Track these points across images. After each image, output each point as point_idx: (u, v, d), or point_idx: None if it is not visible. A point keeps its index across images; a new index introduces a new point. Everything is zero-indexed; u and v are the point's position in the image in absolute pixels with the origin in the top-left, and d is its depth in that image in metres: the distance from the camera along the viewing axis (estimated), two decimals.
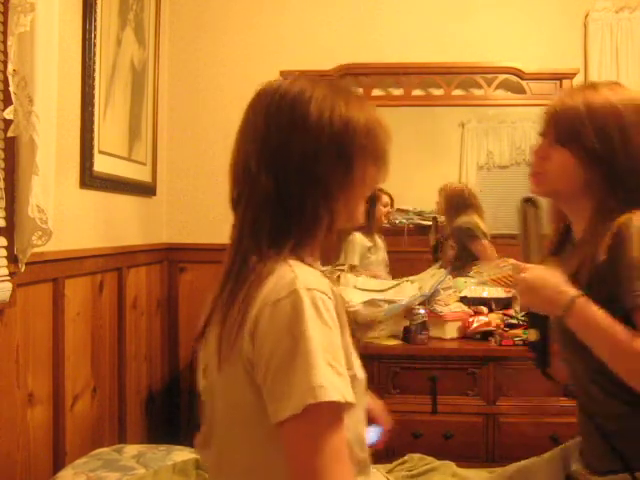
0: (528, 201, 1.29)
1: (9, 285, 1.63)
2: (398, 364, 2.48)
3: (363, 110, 1.03)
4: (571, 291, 1.14)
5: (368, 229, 2.99)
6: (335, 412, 0.89)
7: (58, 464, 1.91)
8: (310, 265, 1.00)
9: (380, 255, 3.05)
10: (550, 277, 1.19)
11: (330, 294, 0.94)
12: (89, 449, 2.03)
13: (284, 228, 0.99)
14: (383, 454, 2.41)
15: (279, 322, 0.90)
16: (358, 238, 2.98)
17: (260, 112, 1.04)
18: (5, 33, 1.56)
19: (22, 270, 1.68)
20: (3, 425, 1.66)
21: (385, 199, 3.00)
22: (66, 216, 2.01)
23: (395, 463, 1.93)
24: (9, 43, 1.52)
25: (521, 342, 2.30)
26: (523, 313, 1.30)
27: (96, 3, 2.16)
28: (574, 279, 1.16)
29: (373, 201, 2.97)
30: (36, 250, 1.69)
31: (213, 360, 1.00)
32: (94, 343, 2.19)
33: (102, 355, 2.26)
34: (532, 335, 1.21)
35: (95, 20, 2.15)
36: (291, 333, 0.89)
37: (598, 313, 1.11)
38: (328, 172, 0.99)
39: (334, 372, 0.88)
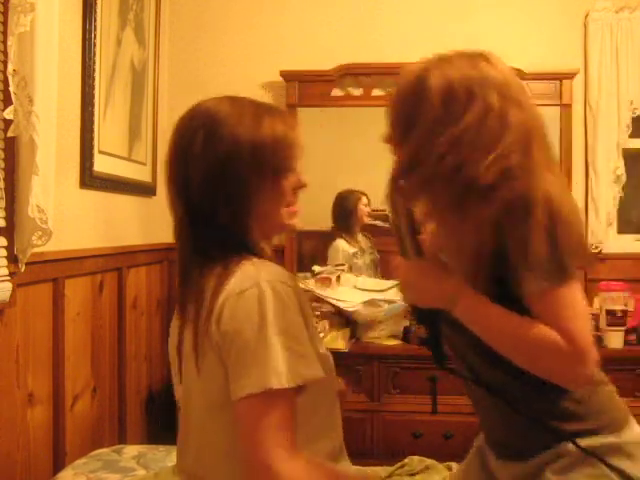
0: (395, 193, 1.18)
1: (9, 285, 1.63)
2: (398, 364, 2.48)
3: (257, 127, 1.08)
4: (453, 282, 1.09)
5: (350, 231, 3.00)
6: (289, 398, 0.98)
7: (58, 464, 1.91)
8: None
9: (367, 258, 3.05)
10: (428, 270, 1.13)
11: (290, 283, 1.03)
12: (89, 449, 2.03)
13: (210, 241, 1.08)
14: (383, 455, 2.42)
15: (243, 309, 0.98)
16: (341, 245, 3.00)
17: (171, 136, 1.16)
18: (5, 33, 1.56)
19: (22, 270, 1.68)
20: (3, 425, 1.66)
21: (365, 200, 3.02)
22: (66, 216, 2.01)
23: (396, 466, 1.93)
24: (9, 43, 1.52)
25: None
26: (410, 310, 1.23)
27: (96, 3, 2.16)
28: (460, 265, 1.10)
29: (351, 203, 2.99)
30: (36, 250, 1.69)
31: (189, 361, 1.07)
32: (94, 343, 2.19)
33: (102, 355, 2.25)
34: (422, 331, 1.17)
35: (95, 20, 2.15)
36: (254, 319, 0.97)
37: (487, 302, 1.07)
38: (223, 193, 1.06)
39: (295, 355, 0.97)
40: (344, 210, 3.03)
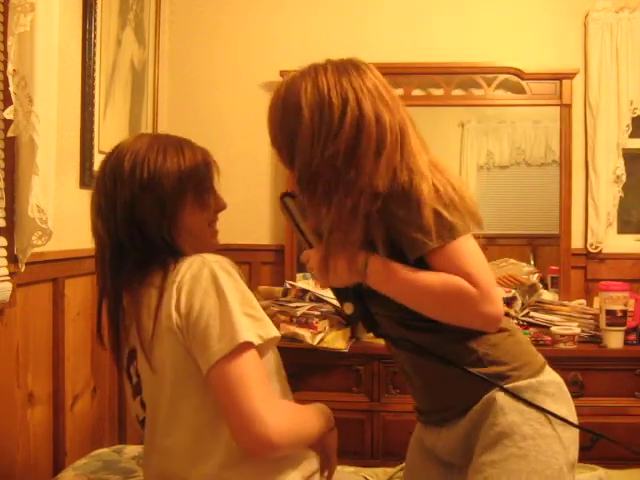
0: (285, 196, 1.28)
1: (9, 285, 1.64)
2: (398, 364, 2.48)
3: (175, 157, 1.20)
4: (361, 254, 1.16)
5: None
6: (256, 354, 1.09)
7: (58, 464, 1.91)
8: None
9: None
10: (332, 249, 1.19)
11: (232, 264, 1.15)
12: (89, 449, 2.03)
13: (143, 256, 1.18)
14: (383, 455, 2.42)
15: (200, 288, 1.09)
16: None
17: (99, 170, 1.25)
18: (5, 33, 1.56)
19: (22, 270, 1.68)
20: (3, 425, 1.66)
21: None
22: (66, 216, 2.01)
23: (396, 469, 1.93)
24: (9, 43, 1.52)
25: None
26: (331, 292, 1.30)
27: (96, 3, 2.16)
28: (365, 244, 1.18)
29: None
30: (36, 250, 1.70)
31: (144, 365, 1.16)
32: (94, 343, 2.19)
33: (102, 355, 2.25)
34: (348, 308, 1.23)
35: (95, 20, 2.15)
36: (212, 294, 1.08)
37: (393, 264, 1.15)
38: (147, 214, 1.17)
39: (252, 320, 1.09)
40: None
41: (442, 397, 1.26)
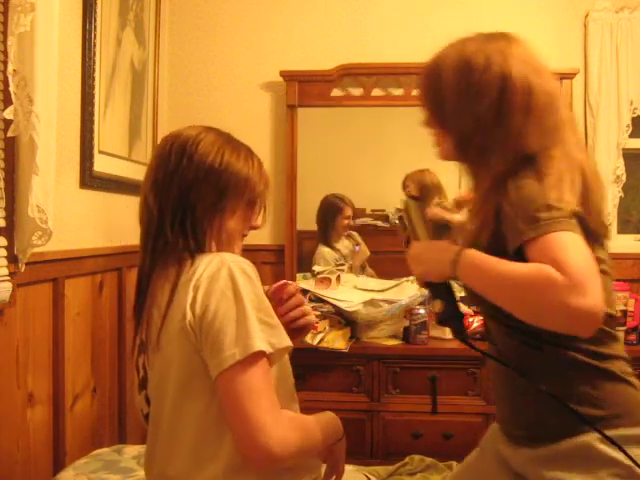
0: (410, 198, 1.32)
1: (9, 285, 1.64)
2: (398, 364, 2.48)
3: (247, 162, 1.23)
4: (455, 247, 1.13)
5: (328, 241, 2.99)
6: (267, 363, 1.07)
7: (58, 464, 1.91)
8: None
9: (356, 262, 3.02)
10: (434, 244, 1.20)
11: (250, 264, 1.13)
12: (89, 449, 2.03)
13: (171, 242, 1.17)
14: (383, 455, 2.42)
15: (217, 288, 1.07)
16: (324, 251, 3.00)
17: (155, 155, 1.24)
18: (5, 33, 1.56)
19: (22, 270, 1.68)
20: (3, 425, 1.66)
21: (348, 212, 2.98)
22: (66, 216, 2.01)
23: (396, 465, 1.94)
24: (9, 43, 1.52)
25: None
26: (422, 287, 1.26)
27: (96, 3, 2.16)
28: (474, 244, 1.14)
29: (334, 213, 2.98)
30: (36, 250, 1.69)
31: (150, 362, 1.16)
32: (94, 343, 2.19)
33: (102, 355, 2.26)
34: (437, 306, 1.18)
35: (95, 20, 2.15)
36: (229, 296, 1.07)
37: (485, 256, 1.08)
38: (200, 200, 1.17)
39: (266, 326, 1.08)
40: (324, 219, 3.00)
41: (526, 417, 1.20)
